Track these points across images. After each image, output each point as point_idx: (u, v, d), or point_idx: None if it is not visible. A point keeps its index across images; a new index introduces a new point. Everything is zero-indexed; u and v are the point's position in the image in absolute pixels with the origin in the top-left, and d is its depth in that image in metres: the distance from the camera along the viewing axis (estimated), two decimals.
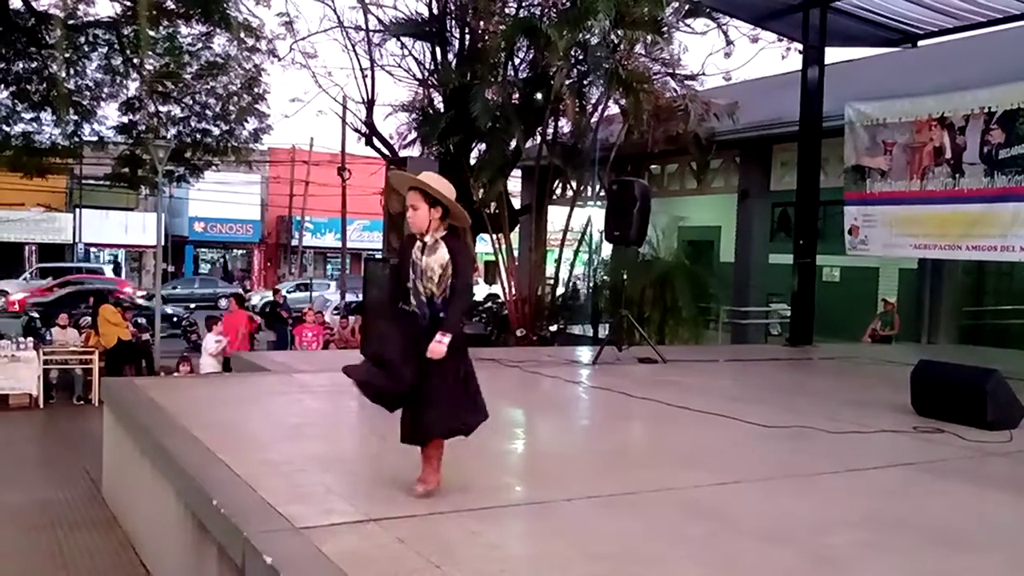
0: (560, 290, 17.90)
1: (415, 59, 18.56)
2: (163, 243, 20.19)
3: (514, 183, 20.32)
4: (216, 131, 21.08)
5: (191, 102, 20.75)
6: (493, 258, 17.18)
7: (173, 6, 18.28)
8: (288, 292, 33.48)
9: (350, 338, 15.58)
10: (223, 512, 3.80)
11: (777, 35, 16.79)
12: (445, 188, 4.08)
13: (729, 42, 17.58)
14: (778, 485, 4.84)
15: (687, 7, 16.16)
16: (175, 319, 22.24)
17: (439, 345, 3.91)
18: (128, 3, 18.01)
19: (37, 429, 11.48)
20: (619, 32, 15.48)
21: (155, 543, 5.27)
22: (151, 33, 18.50)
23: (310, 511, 3.83)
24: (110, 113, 20.48)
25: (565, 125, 17.31)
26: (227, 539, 3.71)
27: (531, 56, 16.78)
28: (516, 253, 17.99)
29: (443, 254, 4.01)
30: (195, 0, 16.98)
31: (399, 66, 18.81)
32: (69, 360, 13.28)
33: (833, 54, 13.65)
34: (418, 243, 4.08)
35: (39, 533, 6.13)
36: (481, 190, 16.48)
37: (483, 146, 17.06)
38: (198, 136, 20.97)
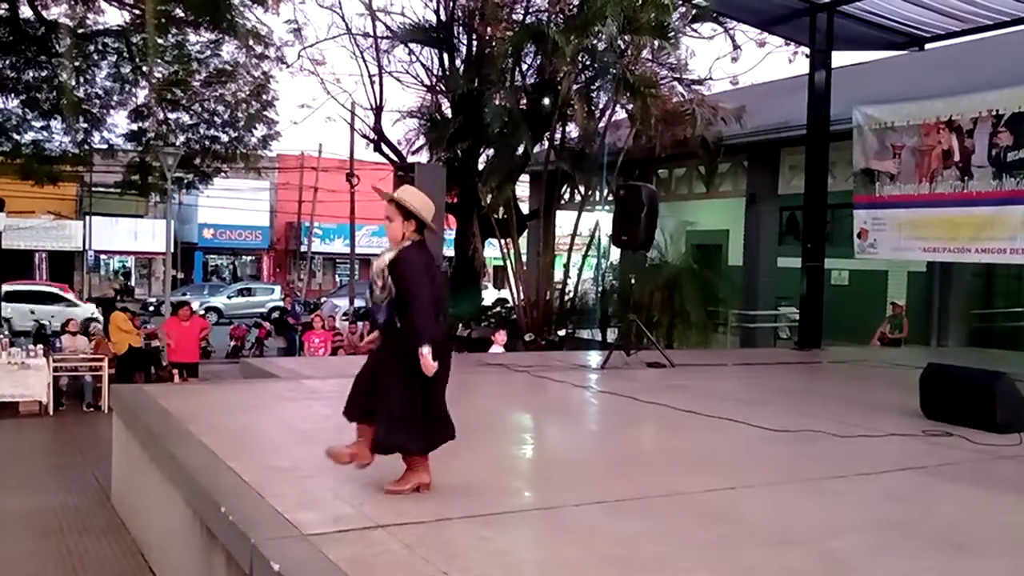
0: (569, 295, 17.90)
1: (423, 65, 18.66)
2: (172, 250, 20.26)
3: (522, 188, 20.34)
4: (225, 138, 21.18)
5: (200, 109, 20.86)
6: (502, 263, 17.21)
7: (182, 14, 18.38)
8: (229, 298, 33.75)
9: (359, 344, 15.61)
10: (231, 519, 3.80)
11: (784, 39, 16.78)
12: (419, 201, 4.17)
13: (736, 46, 17.63)
14: (787, 489, 4.83)
15: (694, 12, 16.17)
16: None
17: (425, 359, 3.93)
18: (137, 12, 18.13)
19: (47, 436, 11.52)
20: (626, 37, 15.50)
21: (164, 549, 5.28)
22: (160, 41, 18.63)
23: (318, 517, 3.83)
24: (119, 121, 20.66)
25: (573, 130, 17.33)
26: (235, 546, 3.72)
27: (538, 62, 16.81)
28: (524, 258, 18.00)
29: (384, 259, 4.09)
30: (203, 8, 17.07)
31: (407, 72, 18.93)
32: (79, 367, 13.31)
33: (840, 58, 13.64)
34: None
35: (49, 539, 6.16)
36: (489, 195, 16.50)
37: (491, 151, 17.10)
38: (207, 143, 21.07)
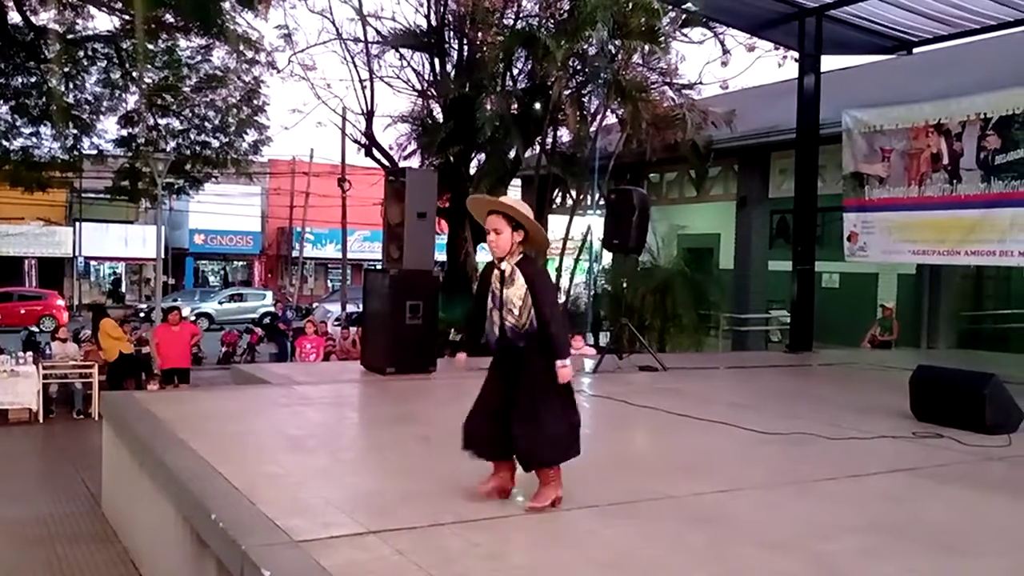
0: (561, 299, 17.91)
1: (414, 70, 18.66)
2: (163, 256, 20.22)
3: (514, 192, 20.35)
4: (216, 143, 21.16)
5: (190, 115, 20.83)
6: None
7: (172, 19, 18.35)
8: (220, 303, 33.70)
9: (351, 349, 15.58)
10: (221, 526, 3.79)
11: (773, 44, 16.84)
12: (528, 211, 4.10)
13: (726, 51, 17.66)
14: (779, 492, 4.83)
15: (684, 17, 16.22)
16: None
17: (565, 370, 4.04)
18: (127, 17, 18.09)
19: (36, 444, 11.46)
20: (617, 42, 15.55)
21: (154, 557, 5.26)
22: (150, 46, 18.60)
23: (309, 524, 3.82)
24: (109, 127, 20.62)
25: (564, 134, 17.36)
26: (226, 553, 3.70)
27: (530, 66, 16.85)
28: None
29: (521, 284, 4.03)
30: (194, 13, 17.04)
31: (398, 77, 18.93)
32: (69, 374, 13.25)
33: (829, 62, 13.68)
34: (496, 272, 4.12)
35: (38, 548, 6.12)
36: None
37: (483, 156, 17.11)
38: (198, 148, 21.04)
